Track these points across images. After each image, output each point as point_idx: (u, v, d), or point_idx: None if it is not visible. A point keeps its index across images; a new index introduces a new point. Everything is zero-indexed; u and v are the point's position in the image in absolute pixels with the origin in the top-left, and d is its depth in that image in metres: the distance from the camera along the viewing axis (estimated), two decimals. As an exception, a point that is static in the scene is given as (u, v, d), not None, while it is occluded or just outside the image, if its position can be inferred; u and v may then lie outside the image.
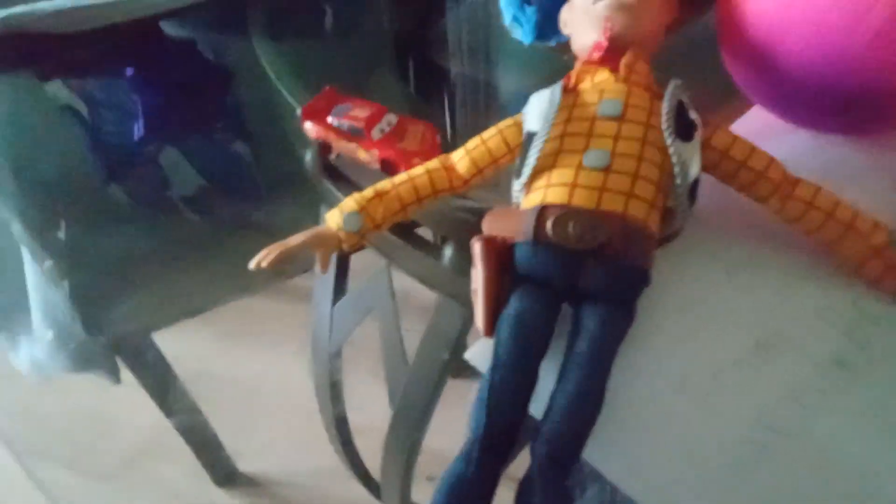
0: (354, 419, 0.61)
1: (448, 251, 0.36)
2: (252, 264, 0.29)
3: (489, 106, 0.51)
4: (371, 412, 0.57)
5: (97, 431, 0.96)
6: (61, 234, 0.57)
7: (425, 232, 0.39)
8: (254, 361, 1.03)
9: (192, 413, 0.76)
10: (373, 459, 0.59)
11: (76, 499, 0.89)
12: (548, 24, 0.36)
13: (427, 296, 0.41)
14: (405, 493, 0.52)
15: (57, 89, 0.56)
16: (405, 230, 0.38)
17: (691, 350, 0.27)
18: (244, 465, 0.89)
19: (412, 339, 0.46)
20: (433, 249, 0.38)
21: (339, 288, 0.49)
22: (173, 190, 0.61)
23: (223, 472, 0.86)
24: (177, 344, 0.72)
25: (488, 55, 0.52)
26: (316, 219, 0.46)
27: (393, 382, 0.48)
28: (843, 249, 0.28)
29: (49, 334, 0.59)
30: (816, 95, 0.30)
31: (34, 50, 0.49)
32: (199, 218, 0.61)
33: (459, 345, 0.43)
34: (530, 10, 0.37)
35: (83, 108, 0.56)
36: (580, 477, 0.24)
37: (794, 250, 0.29)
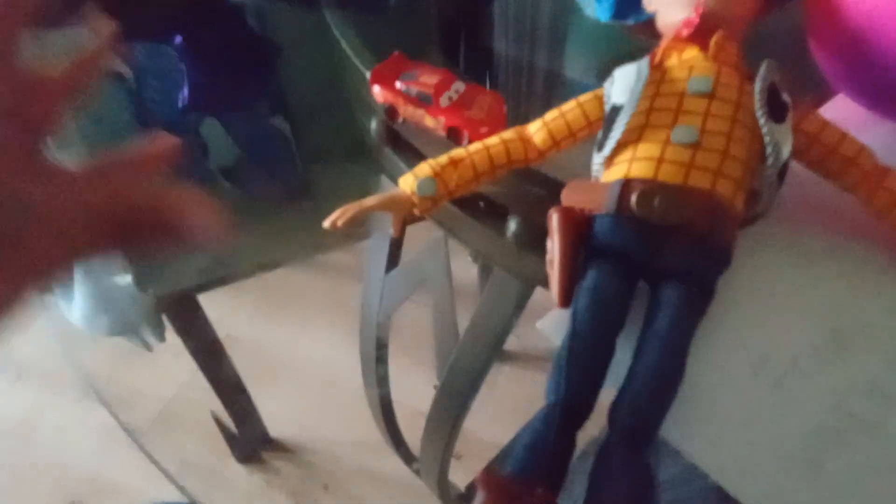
0: (395, 397, 0.62)
1: (512, 225, 0.36)
2: (327, 223, 0.30)
3: (552, 87, 0.50)
4: (410, 392, 0.58)
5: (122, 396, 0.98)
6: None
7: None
8: (288, 332, 1.05)
9: (232, 377, 0.77)
10: (410, 436, 0.60)
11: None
12: (627, 1, 0.36)
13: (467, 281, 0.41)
14: (444, 469, 0.53)
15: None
16: (469, 203, 0.38)
17: (768, 334, 0.26)
18: (276, 431, 0.91)
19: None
20: (497, 223, 0.37)
21: (393, 258, 0.50)
22: (211, 160, 0.62)
23: (257, 437, 0.87)
24: (215, 310, 0.74)
25: (554, 34, 0.51)
26: (362, 191, 0.46)
27: (442, 357, 0.49)
28: (933, 244, 0.27)
29: (89, 299, 0.60)
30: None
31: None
32: (237, 189, 0.62)
33: (510, 323, 0.44)
34: (610, -14, 0.36)
35: (129, 75, 0.57)
36: (657, 453, 0.24)
37: (874, 243, 0.29)
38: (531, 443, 0.22)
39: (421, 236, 0.50)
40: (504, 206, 0.37)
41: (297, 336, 1.03)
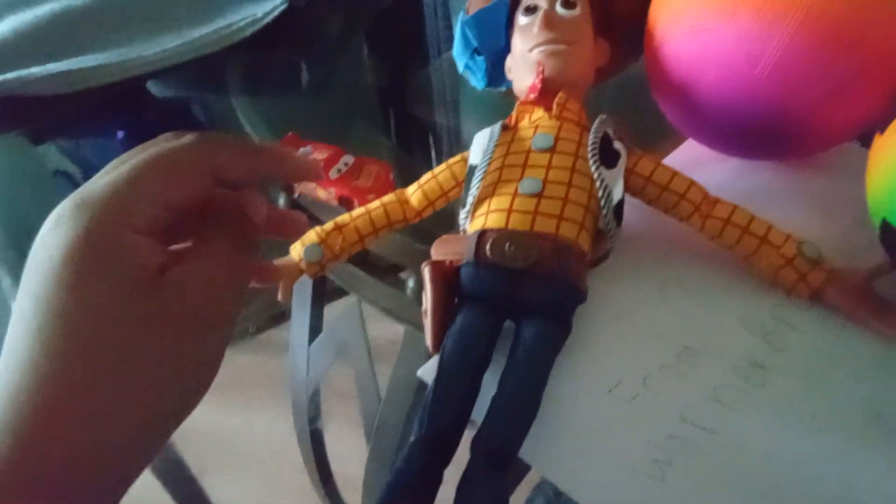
0: (333, 466, 0.62)
1: (410, 282, 0.39)
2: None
3: (459, 148, 0.54)
4: (346, 457, 0.58)
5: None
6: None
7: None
8: (230, 413, 1.04)
9: (176, 463, 0.76)
10: (354, 499, 0.60)
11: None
12: (497, 71, 0.40)
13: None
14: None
15: (50, 153, 0.59)
16: (370, 263, 0.40)
17: (623, 358, 0.29)
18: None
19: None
20: (398, 281, 0.40)
21: (315, 328, 0.51)
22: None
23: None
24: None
25: (457, 102, 0.55)
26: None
27: (368, 417, 0.50)
28: (759, 261, 0.30)
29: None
30: (732, 126, 0.33)
31: (26, 113, 0.52)
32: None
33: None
34: (480, 60, 0.40)
35: (77, 172, 0.59)
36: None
37: (719, 265, 0.32)
38: (394, 482, 0.24)
39: (341, 304, 0.52)
40: (401, 265, 0.39)
41: (245, 417, 1.02)
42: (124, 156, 0.22)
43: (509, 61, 0.36)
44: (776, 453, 0.25)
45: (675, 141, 0.41)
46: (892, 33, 0.30)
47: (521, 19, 0.35)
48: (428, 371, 0.30)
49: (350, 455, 0.59)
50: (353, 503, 0.60)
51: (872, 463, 0.25)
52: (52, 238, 0.20)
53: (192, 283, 0.21)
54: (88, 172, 0.59)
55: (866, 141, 0.30)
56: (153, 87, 0.58)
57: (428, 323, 0.29)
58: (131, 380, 0.19)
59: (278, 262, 0.32)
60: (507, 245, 0.28)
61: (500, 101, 0.43)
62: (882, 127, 0.28)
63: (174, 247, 0.23)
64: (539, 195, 0.29)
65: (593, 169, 0.29)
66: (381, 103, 0.58)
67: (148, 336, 0.19)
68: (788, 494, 0.24)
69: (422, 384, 0.46)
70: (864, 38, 0.29)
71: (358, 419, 0.55)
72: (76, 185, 0.63)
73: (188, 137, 0.22)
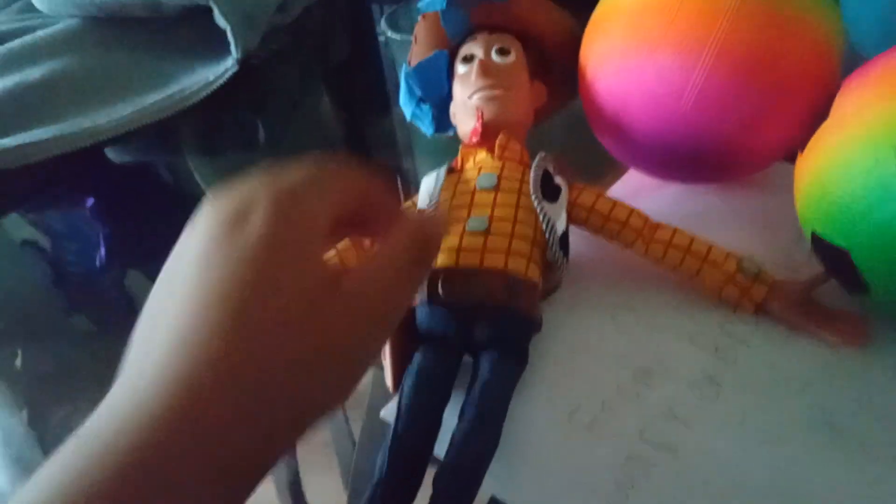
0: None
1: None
2: None
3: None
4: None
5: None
6: (18, 363, 0.58)
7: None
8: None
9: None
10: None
11: None
12: (444, 117, 0.41)
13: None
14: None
15: (18, 224, 0.59)
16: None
17: (580, 383, 0.29)
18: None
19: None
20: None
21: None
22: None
23: None
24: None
25: (412, 148, 0.57)
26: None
27: (344, 465, 0.49)
28: (703, 281, 0.31)
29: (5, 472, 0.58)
30: (665, 155, 0.35)
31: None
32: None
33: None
34: (426, 108, 0.42)
35: (45, 240, 0.59)
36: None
37: (666, 288, 0.33)
38: None
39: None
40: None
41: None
42: (285, 168, 0.22)
43: (452, 108, 0.38)
44: (733, 465, 0.26)
45: (621, 170, 0.42)
46: (803, 57, 0.32)
47: (460, 68, 0.36)
48: (391, 412, 0.30)
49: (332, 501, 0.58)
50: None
51: (825, 469, 0.26)
52: (237, 231, 0.19)
53: (372, 286, 0.21)
54: (57, 241, 0.59)
55: (793, 160, 0.32)
56: (111, 154, 0.59)
57: (387, 364, 0.30)
58: (300, 367, 0.19)
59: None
60: (458, 283, 0.29)
61: (455, 145, 0.45)
62: (802, 146, 0.30)
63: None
64: (486, 232, 0.30)
65: (535, 203, 0.31)
66: (340, 153, 0.59)
67: (325, 329, 0.19)
68: (747, 504, 0.25)
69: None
70: (777, 63, 0.31)
71: (336, 468, 0.54)
72: (45, 255, 0.62)
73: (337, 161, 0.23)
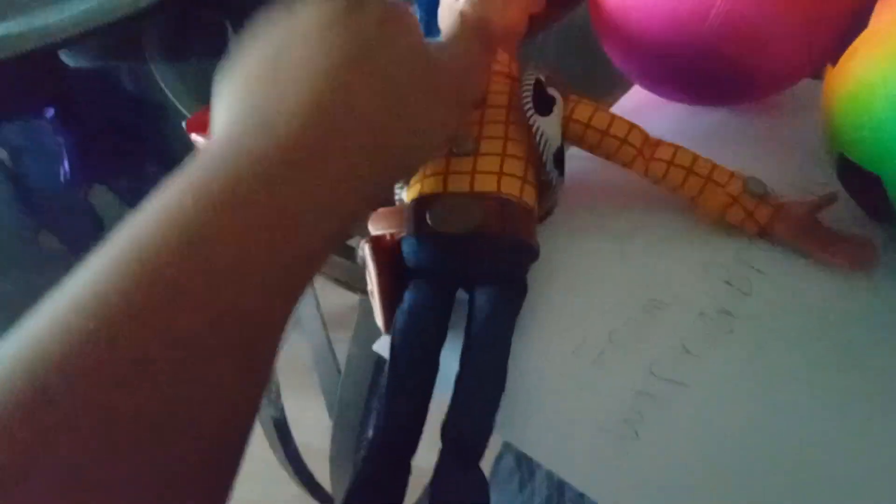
0: (297, 437, 0.61)
1: (361, 251, 0.37)
2: None
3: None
4: (314, 429, 0.57)
5: None
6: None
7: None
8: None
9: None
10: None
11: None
12: (433, 21, 0.37)
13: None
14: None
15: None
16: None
17: (584, 315, 0.28)
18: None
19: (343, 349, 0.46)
20: (346, 249, 0.38)
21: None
22: (108, 229, 0.59)
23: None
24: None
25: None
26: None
27: (329, 391, 0.49)
28: (705, 202, 0.29)
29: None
30: (682, 74, 0.32)
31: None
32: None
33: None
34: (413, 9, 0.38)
35: (4, 155, 0.54)
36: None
37: (674, 214, 0.31)
38: (357, 485, 0.22)
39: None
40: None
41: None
42: None
43: (439, 11, 0.34)
44: (747, 403, 0.25)
45: (624, 88, 0.39)
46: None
47: (446, -36, 0.32)
48: (383, 345, 0.28)
49: (314, 427, 0.58)
50: (317, 471, 0.59)
51: (844, 407, 0.24)
52: (356, 14, 0.22)
53: (456, 64, 0.26)
54: (18, 155, 0.54)
55: (821, 75, 0.29)
56: (66, 58, 0.53)
57: (376, 303, 0.28)
58: (409, 121, 0.22)
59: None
60: (449, 210, 0.26)
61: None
62: (834, 59, 0.27)
63: None
64: (475, 152, 0.27)
65: (528, 115, 0.28)
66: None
67: (416, 93, 0.23)
68: (761, 444, 0.24)
69: (381, 357, 0.45)
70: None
71: (318, 391, 0.53)
72: (6, 170, 0.58)
73: None
